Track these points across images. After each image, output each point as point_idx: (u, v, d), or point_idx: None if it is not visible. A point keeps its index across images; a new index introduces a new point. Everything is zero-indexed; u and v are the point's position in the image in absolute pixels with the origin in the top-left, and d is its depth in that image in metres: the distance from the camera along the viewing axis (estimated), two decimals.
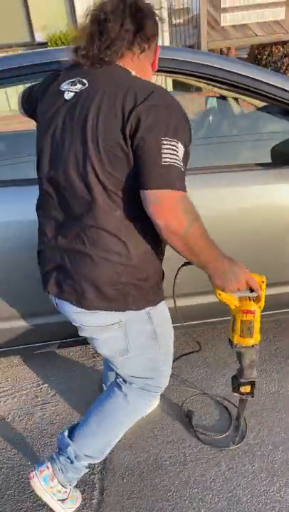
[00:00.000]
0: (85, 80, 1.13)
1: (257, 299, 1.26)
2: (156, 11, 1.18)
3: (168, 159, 0.98)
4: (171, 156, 0.98)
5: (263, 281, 1.24)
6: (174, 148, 0.99)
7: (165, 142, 0.98)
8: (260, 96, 1.69)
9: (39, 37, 6.96)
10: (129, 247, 1.12)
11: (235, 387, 1.47)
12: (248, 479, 1.56)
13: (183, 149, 1.03)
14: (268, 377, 2.00)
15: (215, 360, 2.13)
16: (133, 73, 1.15)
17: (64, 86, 1.17)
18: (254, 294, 1.25)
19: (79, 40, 1.16)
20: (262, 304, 1.26)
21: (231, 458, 1.64)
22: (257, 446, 1.67)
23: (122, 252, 1.12)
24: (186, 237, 1.02)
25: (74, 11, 6.79)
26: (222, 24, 6.95)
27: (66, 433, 1.44)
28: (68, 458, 1.40)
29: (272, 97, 1.67)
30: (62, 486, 1.42)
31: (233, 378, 1.48)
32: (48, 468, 1.42)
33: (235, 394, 1.48)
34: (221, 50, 9.11)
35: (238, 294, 1.22)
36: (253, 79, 1.63)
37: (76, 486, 1.53)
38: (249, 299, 1.26)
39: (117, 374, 1.40)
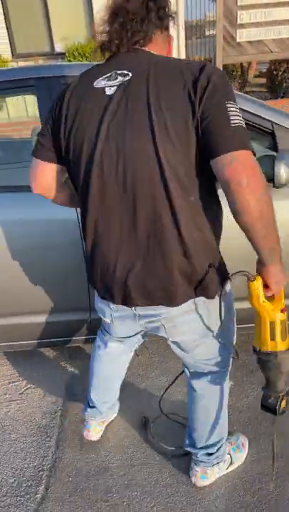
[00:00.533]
0: (124, 71, 1.08)
1: (280, 297, 1.19)
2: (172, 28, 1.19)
3: (236, 121, 0.97)
4: (239, 118, 0.99)
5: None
6: (238, 110, 1.00)
7: (229, 105, 0.99)
8: None
9: (58, 47, 7.19)
10: (205, 232, 1.11)
11: (279, 406, 1.23)
12: (187, 487, 1.59)
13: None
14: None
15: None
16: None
17: (100, 83, 1.10)
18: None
19: (102, 35, 1.14)
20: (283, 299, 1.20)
21: (175, 465, 1.68)
22: None
23: (200, 237, 1.10)
24: (264, 201, 0.97)
25: (93, 23, 6.98)
26: (238, 40, 7.02)
27: (187, 445, 1.57)
28: (202, 461, 1.54)
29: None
30: (217, 464, 1.57)
31: (268, 401, 1.25)
32: (198, 471, 1.57)
33: (276, 415, 1.26)
34: (241, 64, 9.21)
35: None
36: None
37: (24, 481, 1.60)
38: (275, 298, 1.19)
39: (190, 374, 1.46)
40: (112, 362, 1.65)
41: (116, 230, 1.11)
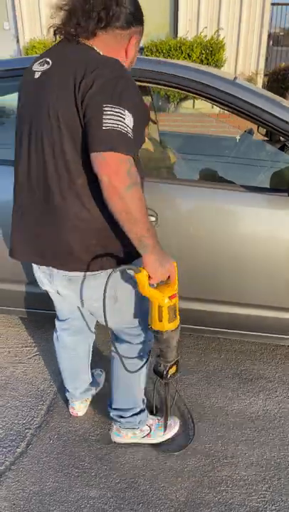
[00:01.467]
0: (48, 59, 1.22)
1: (173, 283, 1.30)
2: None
3: (110, 124, 1.06)
4: (114, 121, 1.06)
5: (176, 265, 1.29)
6: (119, 114, 1.07)
7: (108, 108, 1.07)
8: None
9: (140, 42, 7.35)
10: (92, 213, 1.21)
11: (166, 373, 1.43)
12: (155, 472, 1.64)
13: (131, 118, 1.10)
14: (221, 393, 2.04)
15: None
16: (100, 52, 1.21)
17: (34, 67, 1.26)
18: (171, 277, 1.29)
19: (55, 17, 1.24)
20: (176, 285, 1.31)
21: (151, 450, 1.73)
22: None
23: (87, 217, 1.21)
24: (126, 196, 1.07)
25: (176, 23, 7.07)
26: None
27: (108, 404, 1.74)
28: (117, 421, 1.71)
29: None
30: (131, 429, 1.72)
31: (157, 368, 1.45)
32: (113, 428, 1.76)
33: (165, 380, 1.45)
34: None
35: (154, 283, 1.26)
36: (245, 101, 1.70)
37: (10, 434, 1.74)
38: (166, 285, 1.30)
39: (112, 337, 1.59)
40: (70, 356, 1.75)
41: (32, 202, 1.29)
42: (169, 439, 1.77)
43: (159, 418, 1.79)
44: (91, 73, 1.10)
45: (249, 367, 2.22)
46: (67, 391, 1.86)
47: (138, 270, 1.23)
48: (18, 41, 7.86)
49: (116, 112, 1.07)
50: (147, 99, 3.01)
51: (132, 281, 1.36)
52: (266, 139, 3.05)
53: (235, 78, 1.95)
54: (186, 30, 6.94)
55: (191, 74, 1.73)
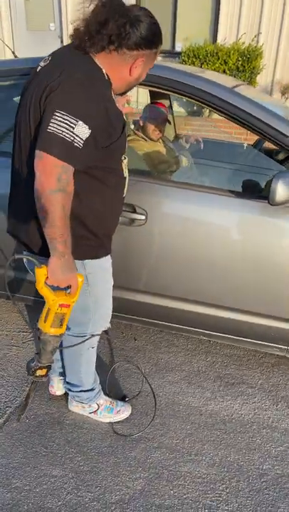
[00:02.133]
0: (50, 58, 1.33)
1: (72, 295, 1.36)
2: None
3: (53, 128, 1.15)
4: (59, 127, 1.15)
5: (81, 280, 1.36)
6: (69, 122, 1.15)
7: (58, 115, 1.15)
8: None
9: (179, 47, 7.40)
10: None
11: (33, 371, 1.51)
12: (118, 460, 1.70)
13: (87, 130, 1.17)
14: (200, 394, 2.07)
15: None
16: (100, 66, 1.29)
17: (40, 63, 1.35)
18: (71, 290, 1.35)
19: (78, 21, 1.29)
20: (75, 299, 1.37)
21: (118, 439, 1.79)
22: (143, 440, 1.80)
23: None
24: (50, 199, 1.16)
25: (217, 29, 7.08)
26: None
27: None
28: (68, 390, 1.89)
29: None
30: (80, 403, 1.88)
31: (30, 363, 1.53)
32: (70, 398, 1.92)
33: (31, 377, 1.55)
34: None
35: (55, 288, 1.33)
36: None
37: None
38: (65, 293, 1.35)
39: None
40: None
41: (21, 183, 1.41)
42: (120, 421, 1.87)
43: (111, 401, 1.91)
44: (58, 77, 1.20)
45: (233, 371, 2.23)
46: (50, 367, 1.94)
47: (39, 265, 1.31)
48: (62, 41, 8.12)
49: (65, 119, 1.15)
50: (165, 102, 3.08)
51: (85, 272, 1.45)
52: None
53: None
54: (225, 36, 6.94)
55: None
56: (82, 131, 1.17)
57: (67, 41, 7.87)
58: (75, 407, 1.91)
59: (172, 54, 7.45)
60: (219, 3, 6.94)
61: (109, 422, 1.87)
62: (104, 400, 1.89)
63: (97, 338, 1.71)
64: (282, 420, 1.94)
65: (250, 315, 1.92)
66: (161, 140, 2.89)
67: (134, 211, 1.87)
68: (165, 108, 2.86)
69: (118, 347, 2.36)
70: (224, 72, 6.46)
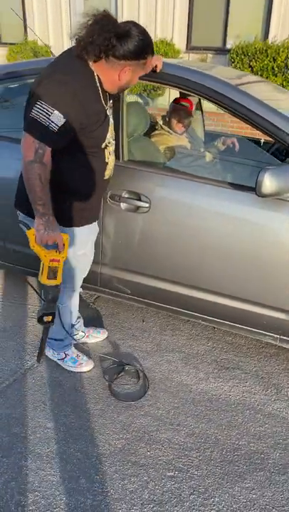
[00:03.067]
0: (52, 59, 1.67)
1: (61, 252, 1.65)
2: None
3: (34, 114, 1.46)
4: (38, 114, 1.45)
5: (66, 238, 1.65)
6: (46, 111, 1.45)
7: (38, 104, 1.46)
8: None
9: (229, 44, 7.42)
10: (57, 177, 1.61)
11: (41, 319, 1.79)
12: (106, 422, 1.89)
13: (63, 119, 1.46)
14: (194, 374, 2.20)
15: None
16: (93, 71, 1.56)
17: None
18: (59, 247, 1.64)
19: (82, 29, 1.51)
20: (65, 255, 1.66)
21: (109, 404, 1.98)
22: (132, 407, 1.96)
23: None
24: (28, 168, 1.49)
25: (268, 27, 7.01)
26: None
27: None
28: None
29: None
30: (51, 349, 2.19)
31: (38, 312, 1.80)
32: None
33: (40, 324, 1.81)
34: None
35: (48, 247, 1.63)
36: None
37: (4, 370, 2.11)
38: (55, 250, 1.63)
39: None
40: None
41: None
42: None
43: (78, 354, 2.20)
44: (45, 76, 1.51)
45: (231, 357, 2.34)
46: (54, 314, 2.10)
47: (29, 228, 1.66)
48: None
49: (44, 108, 1.47)
50: (193, 98, 3.19)
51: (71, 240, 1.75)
52: None
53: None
54: (275, 34, 6.87)
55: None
56: (57, 119, 1.47)
57: None
58: (47, 352, 2.21)
59: (222, 51, 7.48)
60: (272, 2, 6.88)
61: (108, 385, 2.06)
62: (72, 352, 2.19)
63: (69, 299, 2.04)
64: (268, 405, 2.03)
65: (243, 302, 2.03)
66: (186, 134, 3.03)
67: (139, 199, 2.04)
68: (190, 103, 2.98)
69: (126, 326, 2.54)
70: (272, 69, 6.41)
